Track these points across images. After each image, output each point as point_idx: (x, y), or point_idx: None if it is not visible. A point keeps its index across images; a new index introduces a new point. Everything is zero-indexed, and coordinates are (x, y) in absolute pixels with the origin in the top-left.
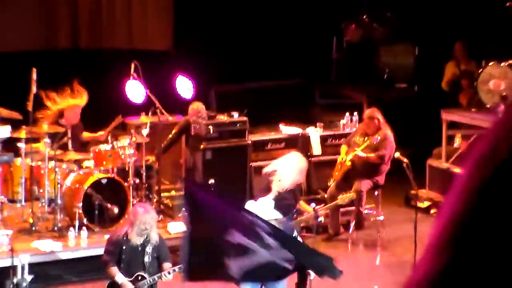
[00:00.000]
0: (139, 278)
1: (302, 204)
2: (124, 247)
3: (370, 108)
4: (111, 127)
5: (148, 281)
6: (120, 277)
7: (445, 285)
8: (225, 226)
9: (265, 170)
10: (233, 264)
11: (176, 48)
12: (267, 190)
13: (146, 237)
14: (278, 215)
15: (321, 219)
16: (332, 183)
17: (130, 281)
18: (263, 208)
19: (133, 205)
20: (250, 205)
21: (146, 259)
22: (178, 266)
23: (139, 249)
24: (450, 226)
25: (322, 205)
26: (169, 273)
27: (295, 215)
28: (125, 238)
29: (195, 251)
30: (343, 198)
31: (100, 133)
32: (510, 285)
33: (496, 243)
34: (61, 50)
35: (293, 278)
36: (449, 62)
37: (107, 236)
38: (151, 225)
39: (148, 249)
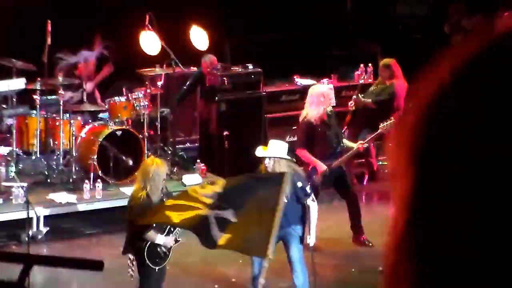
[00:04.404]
0: (172, 229)
1: (345, 142)
2: (152, 207)
3: (387, 58)
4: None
5: (178, 230)
6: (160, 238)
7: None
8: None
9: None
10: None
11: None
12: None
13: (162, 189)
14: (292, 160)
15: None
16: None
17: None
18: (278, 148)
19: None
20: (272, 143)
21: None
22: None
23: (161, 203)
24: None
25: (366, 138)
26: None
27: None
28: (148, 198)
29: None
30: (385, 126)
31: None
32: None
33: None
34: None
35: None
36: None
37: (122, 189)
38: (164, 176)
39: (165, 199)
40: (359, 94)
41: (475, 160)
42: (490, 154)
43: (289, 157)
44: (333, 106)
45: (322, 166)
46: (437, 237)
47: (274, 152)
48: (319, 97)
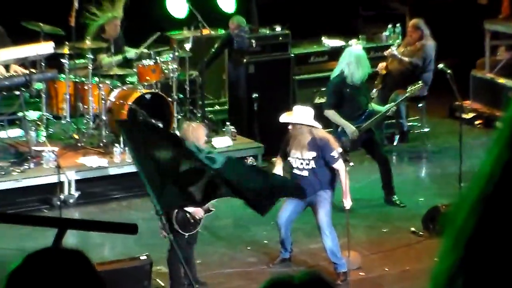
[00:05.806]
0: None
1: (373, 105)
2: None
3: (416, 18)
4: (149, 42)
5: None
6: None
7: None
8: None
9: None
10: (195, 190)
11: None
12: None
13: None
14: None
15: None
16: (374, 94)
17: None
18: (303, 114)
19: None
20: (297, 109)
21: None
22: None
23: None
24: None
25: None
26: None
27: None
28: None
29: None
30: (412, 89)
31: (141, 49)
32: None
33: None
34: None
35: None
36: None
37: None
38: (203, 139)
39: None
40: (395, 50)
41: None
42: None
43: (315, 123)
44: None
45: (350, 127)
46: None
47: (298, 118)
48: (363, 59)
